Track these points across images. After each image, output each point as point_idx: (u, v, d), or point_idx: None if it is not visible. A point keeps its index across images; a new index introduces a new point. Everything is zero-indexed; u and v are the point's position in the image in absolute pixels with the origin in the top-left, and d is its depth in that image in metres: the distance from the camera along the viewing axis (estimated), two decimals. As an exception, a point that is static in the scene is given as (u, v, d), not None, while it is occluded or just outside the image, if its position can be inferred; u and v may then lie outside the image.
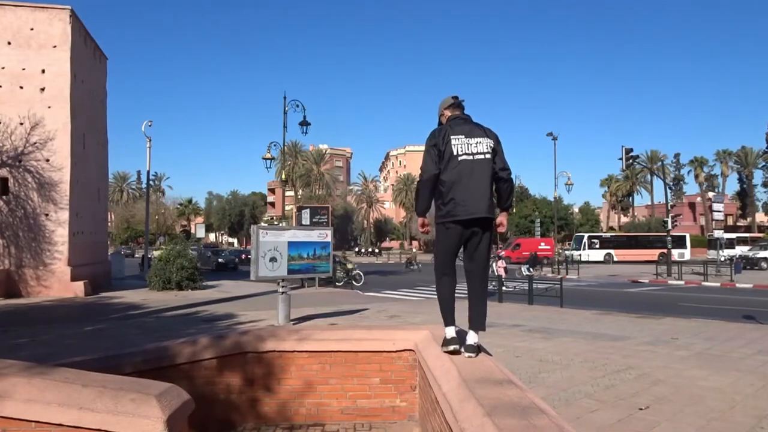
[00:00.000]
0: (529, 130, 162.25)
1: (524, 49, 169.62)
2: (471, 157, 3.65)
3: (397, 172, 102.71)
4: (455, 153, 3.64)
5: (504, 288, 18.93)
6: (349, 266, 25.71)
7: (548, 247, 49.86)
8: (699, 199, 75.72)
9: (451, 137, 3.68)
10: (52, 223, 19.28)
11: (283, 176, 51.91)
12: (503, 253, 41.48)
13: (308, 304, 16.43)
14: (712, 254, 44.68)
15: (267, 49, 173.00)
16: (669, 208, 32.62)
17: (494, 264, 22.84)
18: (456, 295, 3.92)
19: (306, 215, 25.40)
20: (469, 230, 3.68)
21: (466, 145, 3.66)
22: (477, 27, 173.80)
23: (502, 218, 3.78)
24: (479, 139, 3.70)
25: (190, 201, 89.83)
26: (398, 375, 4.61)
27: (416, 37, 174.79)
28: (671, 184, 74.42)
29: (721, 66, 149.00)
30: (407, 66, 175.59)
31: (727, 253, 39.97)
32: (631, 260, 45.85)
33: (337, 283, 23.86)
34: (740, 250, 44.35)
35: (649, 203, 75.37)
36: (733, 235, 44.06)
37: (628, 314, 14.74)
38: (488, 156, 3.67)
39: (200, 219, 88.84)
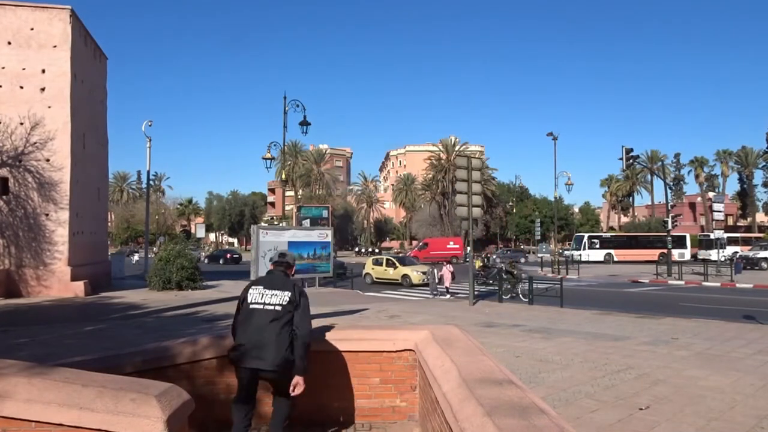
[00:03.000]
0: (529, 130, 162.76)
1: (524, 49, 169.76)
2: (261, 306, 3.85)
3: (397, 172, 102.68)
4: (249, 300, 3.91)
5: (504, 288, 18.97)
6: (516, 273, 20.41)
7: (457, 246, 49.48)
8: (699, 199, 75.70)
9: (251, 288, 4.01)
10: (52, 223, 19.29)
11: (283, 176, 51.96)
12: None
13: (308, 304, 16.39)
14: (703, 254, 44.80)
15: (267, 48, 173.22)
16: (669, 208, 32.63)
17: (436, 271, 21.06)
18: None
19: (306, 224, 25.43)
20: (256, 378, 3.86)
21: (261, 295, 3.90)
22: (477, 27, 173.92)
23: (297, 379, 3.81)
24: (275, 291, 3.91)
25: (190, 201, 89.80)
26: (398, 375, 4.61)
27: (416, 37, 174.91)
28: (671, 184, 74.41)
29: (721, 66, 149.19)
30: (407, 66, 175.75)
31: (716, 253, 40.00)
32: (631, 260, 45.83)
33: (503, 297, 18.38)
34: (731, 249, 44.49)
35: (649, 203, 75.34)
36: (725, 235, 44.16)
37: (628, 314, 14.73)
38: (278, 309, 3.82)
39: (200, 219, 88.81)
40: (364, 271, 27.21)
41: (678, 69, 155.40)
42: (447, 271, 20.91)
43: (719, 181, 76.90)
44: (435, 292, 20.46)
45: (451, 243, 49.69)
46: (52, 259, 19.26)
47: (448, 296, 20.00)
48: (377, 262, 27.65)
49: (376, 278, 26.18)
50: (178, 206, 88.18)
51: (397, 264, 26.36)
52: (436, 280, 20.76)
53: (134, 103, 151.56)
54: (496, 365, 3.41)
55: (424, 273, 25.11)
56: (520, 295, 18.55)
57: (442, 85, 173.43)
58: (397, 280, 25.32)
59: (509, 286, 19.31)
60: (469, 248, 22.91)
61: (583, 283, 27.32)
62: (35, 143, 19.18)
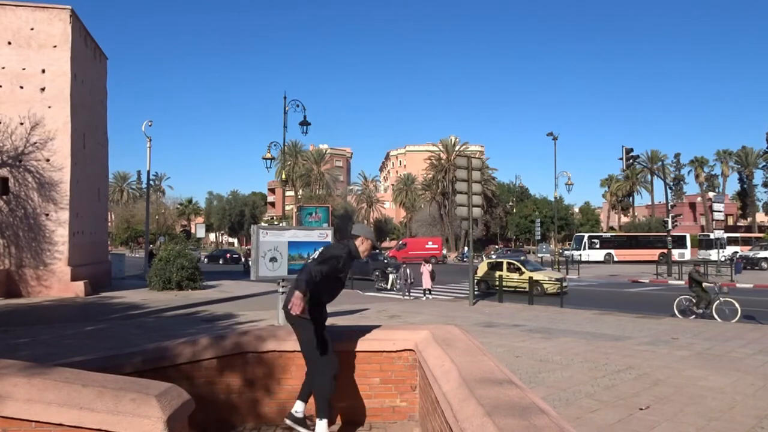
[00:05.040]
0: (529, 130, 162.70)
1: (524, 49, 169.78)
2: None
3: (397, 172, 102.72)
4: None
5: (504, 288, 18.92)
6: (708, 285, 14.80)
7: (436, 246, 49.69)
8: (699, 199, 75.72)
9: None
10: (53, 223, 19.28)
11: (284, 176, 51.85)
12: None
13: (308, 304, 16.38)
14: (703, 254, 44.86)
15: (267, 49, 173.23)
16: (669, 208, 32.61)
17: (409, 271, 20.28)
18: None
19: None
20: None
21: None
22: (477, 27, 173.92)
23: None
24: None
25: (190, 201, 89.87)
26: (398, 375, 4.61)
27: (416, 37, 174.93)
28: (671, 184, 74.41)
29: (721, 66, 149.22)
30: (407, 66, 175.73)
31: (716, 253, 40.05)
32: (631, 260, 45.85)
33: (685, 313, 14.83)
34: (731, 249, 44.64)
35: (650, 203, 75.36)
36: (725, 235, 44.33)
37: (628, 314, 14.75)
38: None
39: (200, 219, 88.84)
40: (477, 277, 21.86)
41: (678, 69, 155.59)
42: (426, 271, 20.10)
43: (719, 181, 76.97)
44: (406, 294, 19.86)
45: (430, 243, 49.96)
46: (52, 259, 19.26)
47: (425, 297, 19.36)
48: (495, 266, 22.76)
49: (495, 286, 20.53)
50: (178, 206, 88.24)
51: (523, 268, 21.70)
52: (410, 281, 20.15)
53: (134, 103, 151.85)
54: (496, 365, 3.41)
55: (558, 280, 20.79)
56: (715, 314, 14.03)
57: (442, 85, 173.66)
58: (524, 288, 20.02)
59: (693, 301, 14.62)
60: (467, 248, 22.77)
61: (583, 283, 27.33)
62: (35, 143, 19.17)
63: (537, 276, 20.94)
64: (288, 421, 4.06)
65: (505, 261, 23.53)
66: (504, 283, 20.26)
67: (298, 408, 4.10)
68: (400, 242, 52.78)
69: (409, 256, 43.03)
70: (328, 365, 4.03)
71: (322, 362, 4.01)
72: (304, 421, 4.06)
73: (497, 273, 20.91)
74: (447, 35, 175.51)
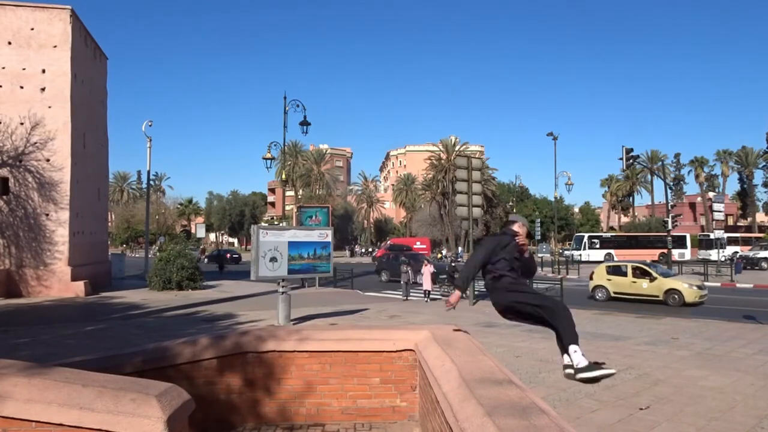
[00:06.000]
0: (529, 130, 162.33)
1: (524, 49, 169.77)
2: None
3: (397, 172, 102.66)
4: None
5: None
6: None
7: (424, 246, 49.63)
8: (699, 199, 75.70)
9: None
10: (53, 223, 19.28)
11: (284, 176, 51.82)
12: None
13: (308, 304, 16.43)
14: (703, 254, 44.90)
15: (267, 48, 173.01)
16: (669, 208, 32.59)
17: (411, 270, 19.79)
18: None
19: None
20: None
21: None
22: (477, 27, 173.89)
23: None
24: None
25: (190, 201, 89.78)
26: (398, 375, 4.61)
27: (416, 37, 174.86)
28: (671, 184, 74.42)
29: (721, 66, 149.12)
30: (407, 66, 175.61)
31: (716, 253, 40.04)
32: (631, 260, 45.82)
33: None
34: (731, 249, 44.68)
35: (650, 203, 75.35)
36: (725, 235, 44.32)
37: (628, 314, 14.76)
38: None
39: (200, 219, 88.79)
40: (592, 284, 19.48)
41: (678, 69, 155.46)
42: (428, 272, 19.00)
43: (719, 181, 76.92)
44: (407, 295, 19.12)
45: (418, 243, 49.85)
46: (52, 259, 19.25)
47: (426, 300, 18.32)
48: (616, 270, 19.36)
49: (616, 293, 18.20)
50: (178, 206, 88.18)
51: (654, 273, 18.25)
52: (410, 281, 19.51)
53: (134, 103, 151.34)
54: (496, 365, 3.41)
55: (700, 287, 17.77)
56: None
57: (442, 85, 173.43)
58: (657, 296, 17.62)
59: None
60: (461, 248, 22.61)
61: (583, 283, 27.29)
62: (35, 143, 19.18)
63: (673, 283, 17.84)
64: (579, 375, 3.70)
65: (629, 265, 19.36)
66: (629, 291, 18.14)
67: (566, 361, 3.82)
68: (389, 242, 52.88)
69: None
70: (555, 301, 4.13)
71: (550, 300, 4.09)
72: (585, 366, 3.71)
73: (620, 279, 18.50)
74: (447, 35, 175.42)
